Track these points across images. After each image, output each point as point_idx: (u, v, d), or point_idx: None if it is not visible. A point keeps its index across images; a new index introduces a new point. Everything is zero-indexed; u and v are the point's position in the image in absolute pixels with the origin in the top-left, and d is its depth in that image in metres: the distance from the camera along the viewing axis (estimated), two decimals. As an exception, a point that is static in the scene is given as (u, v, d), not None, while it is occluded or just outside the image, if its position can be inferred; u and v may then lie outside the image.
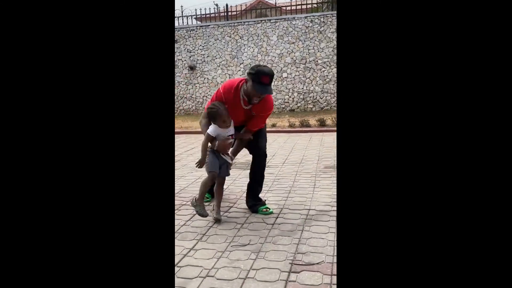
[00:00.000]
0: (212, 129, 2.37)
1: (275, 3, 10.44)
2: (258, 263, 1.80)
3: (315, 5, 11.02)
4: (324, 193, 2.92)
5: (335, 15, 9.07)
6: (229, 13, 10.31)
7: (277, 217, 2.42)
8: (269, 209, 2.50)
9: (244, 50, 9.55)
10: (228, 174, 2.54)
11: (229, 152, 2.48)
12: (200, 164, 2.41)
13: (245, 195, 2.70)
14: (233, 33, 9.57)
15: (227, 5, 10.10)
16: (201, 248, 1.99)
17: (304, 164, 3.99)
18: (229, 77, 9.73)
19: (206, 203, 2.75)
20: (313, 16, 9.18)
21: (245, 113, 2.45)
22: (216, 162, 2.40)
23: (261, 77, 2.24)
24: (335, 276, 1.63)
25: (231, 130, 2.42)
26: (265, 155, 2.62)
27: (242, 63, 9.59)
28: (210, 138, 2.38)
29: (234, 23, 9.62)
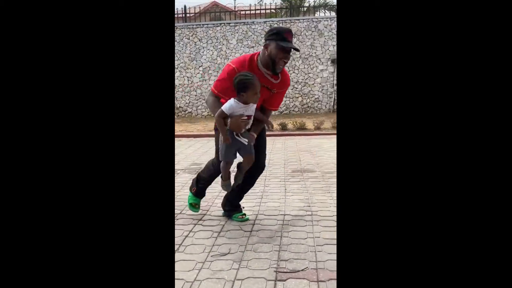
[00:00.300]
0: (227, 106, 1.98)
1: (234, 7, 10.45)
2: (242, 272, 1.75)
3: (273, 11, 11.18)
4: (296, 197, 2.94)
5: (293, 21, 9.27)
6: (187, 15, 10.14)
7: (253, 224, 2.38)
8: (245, 215, 2.45)
9: (203, 53, 9.45)
10: (252, 151, 2.14)
11: (252, 133, 2.13)
12: (226, 140, 2.04)
13: (217, 201, 2.63)
14: (192, 36, 9.43)
15: (185, 6, 9.93)
16: (180, 260, 1.90)
17: (271, 168, 4.00)
18: (188, 80, 9.56)
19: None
20: (271, 21, 9.30)
21: (265, 91, 2.14)
22: (230, 149, 2.08)
23: (285, 35, 2.01)
24: (322, 282, 1.63)
25: (250, 110, 2.03)
26: (263, 168, 2.46)
27: (201, 65, 9.47)
28: (224, 115, 1.99)
29: (193, 25, 9.49)
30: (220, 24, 9.44)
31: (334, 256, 1.84)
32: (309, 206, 2.70)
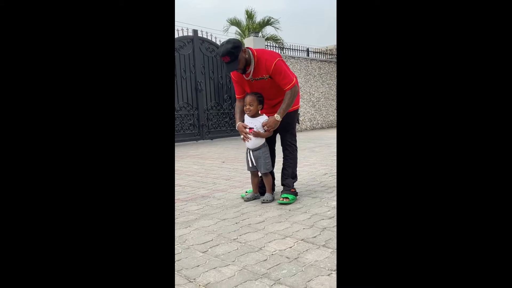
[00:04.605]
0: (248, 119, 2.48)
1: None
2: None
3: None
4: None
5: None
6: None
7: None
8: (288, 198, 2.43)
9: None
10: (261, 170, 2.52)
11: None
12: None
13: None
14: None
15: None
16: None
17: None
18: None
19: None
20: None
21: (254, 84, 2.42)
22: (248, 160, 2.57)
23: (222, 58, 2.26)
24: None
25: (251, 122, 2.44)
26: (291, 146, 2.60)
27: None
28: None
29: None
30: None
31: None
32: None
